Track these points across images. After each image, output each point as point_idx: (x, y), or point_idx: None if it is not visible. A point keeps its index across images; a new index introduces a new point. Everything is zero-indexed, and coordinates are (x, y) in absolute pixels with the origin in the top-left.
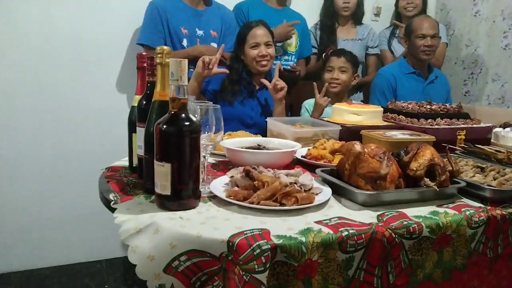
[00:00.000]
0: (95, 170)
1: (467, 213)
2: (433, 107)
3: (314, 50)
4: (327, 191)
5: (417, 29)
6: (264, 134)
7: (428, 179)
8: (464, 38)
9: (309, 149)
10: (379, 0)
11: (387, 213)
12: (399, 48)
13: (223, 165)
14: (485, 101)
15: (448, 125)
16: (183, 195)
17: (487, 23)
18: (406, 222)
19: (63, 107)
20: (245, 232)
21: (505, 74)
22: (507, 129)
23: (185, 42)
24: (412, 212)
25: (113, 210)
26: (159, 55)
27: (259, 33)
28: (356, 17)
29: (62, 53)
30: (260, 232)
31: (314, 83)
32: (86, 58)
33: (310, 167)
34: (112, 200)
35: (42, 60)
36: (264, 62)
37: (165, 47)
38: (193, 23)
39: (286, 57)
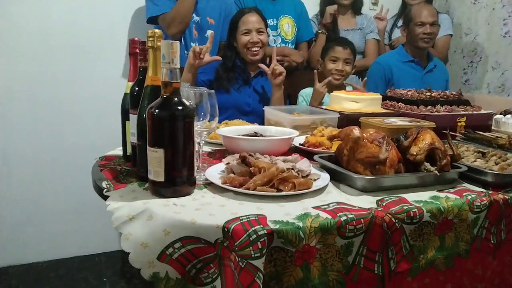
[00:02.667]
0: (93, 161)
1: (469, 197)
2: (433, 94)
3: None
4: (325, 177)
5: (416, 16)
6: (262, 122)
7: (428, 164)
8: (463, 26)
9: (307, 137)
10: None
11: (386, 198)
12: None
13: (219, 154)
14: (485, 89)
15: (448, 112)
16: (177, 181)
17: (486, 11)
18: (406, 207)
19: (60, 98)
20: (241, 218)
21: (505, 62)
22: (508, 115)
23: None
24: (412, 197)
25: (106, 198)
26: (150, 39)
27: (251, 20)
28: (356, 6)
29: (58, 41)
30: (256, 218)
31: (315, 70)
32: (83, 46)
33: (308, 155)
34: (105, 188)
35: (38, 48)
36: (255, 49)
37: (156, 30)
38: None
39: (283, 46)
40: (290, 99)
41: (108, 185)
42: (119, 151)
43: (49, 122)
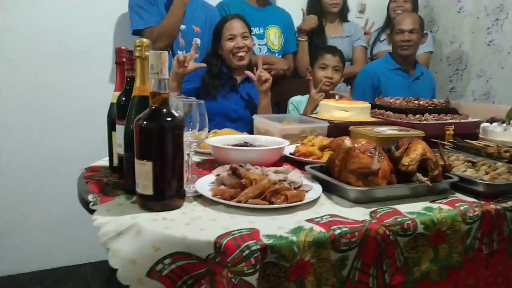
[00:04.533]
0: (78, 170)
1: (462, 208)
2: (420, 102)
3: None
4: (317, 188)
5: (397, 24)
6: (250, 129)
7: (420, 174)
8: (448, 35)
9: (297, 146)
10: None
11: (379, 210)
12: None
13: (209, 164)
14: (470, 97)
15: (437, 120)
16: (166, 194)
17: (471, 19)
18: (400, 219)
19: (47, 105)
20: (233, 232)
21: (489, 70)
22: (495, 124)
23: None
24: (405, 208)
25: (92, 212)
26: (138, 48)
27: (235, 25)
28: (343, 14)
29: (47, 48)
30: (249, 232)
31: (310, 77)
32: (72, 53)
33: (299, 164)
34: (91, 202)
35: (26, 56)
36: (241, 54)
37: (144, 40)
38: None
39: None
40: (279, 107)
41: (94, 199)
42: (105, 162)
43: (35, 129)
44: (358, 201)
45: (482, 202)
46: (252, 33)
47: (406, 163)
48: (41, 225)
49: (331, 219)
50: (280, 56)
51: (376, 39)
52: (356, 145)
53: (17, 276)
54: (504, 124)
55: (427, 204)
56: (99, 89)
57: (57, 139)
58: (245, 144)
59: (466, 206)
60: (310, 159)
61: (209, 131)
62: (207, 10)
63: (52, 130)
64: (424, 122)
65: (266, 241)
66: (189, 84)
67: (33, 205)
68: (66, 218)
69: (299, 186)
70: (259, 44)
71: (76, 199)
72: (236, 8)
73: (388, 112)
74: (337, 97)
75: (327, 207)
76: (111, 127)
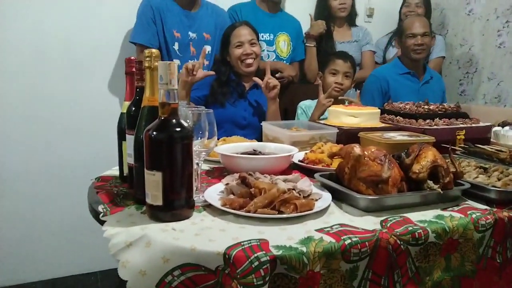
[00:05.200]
0: (88, 178)
1: (473, 216)
2: (431, 107)
3: None
4: (327, 196)
5: (407, 28)
6: (259, 135)
7: (431, 182)
8: (458, 37)
9: (306, 153)
10: (372, 1)
11: (390, 219)
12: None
13: (218, 172)
14: (481, 100)
15: (447, 125)
16: (176, 205)
17: (481, 22)
18: (411, 228)
19: (55, 113)
20: (242, 243)
21: (500, 72)
22: (506, 127)
23: (176, 46)
24: (416, 216)
25: (102, 222)
26: (147, 59)
27: (243, 32)
28: (351, 18)
29: (53, 57)
30: (258, 243)
31: (320, 82)
32: (78, 62)
33: (308, 172)
34: (101, 212)
35: (33, 65)
36: (249, 61)
37: (153, 50)
38: (186, 26)
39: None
40: (287, 113)
41: (104, 209)
42: (115, 171)
43: (44, 139)
44: (369, 210)
45: (495, 210)
46: (262, 39)
47: (417, 171)
48: (52, 234)
49: (341, 228)
50: (288, 63)
51: (388, 44)
52: (366, 152)
53: (28, 285)
54: None
55: (438, 212)
56: (109, 98)
57: (65, 149)
58: (254, 152)
59: (478, 214)
60: (319, 166)
61: (218, 139)
62: (218, 15)
63: (61, 141)
64: (435, 127)
65: (275, 252)
66: (198, 92)
67: (44, 214)
68: (76, 227)
69: (309, 195)
70: (268, 51)
71: (85, 208)
72: (248, 13)
73: (398, 117)
74: (346, 102)
75: (337, 216)
76: (121, 137)
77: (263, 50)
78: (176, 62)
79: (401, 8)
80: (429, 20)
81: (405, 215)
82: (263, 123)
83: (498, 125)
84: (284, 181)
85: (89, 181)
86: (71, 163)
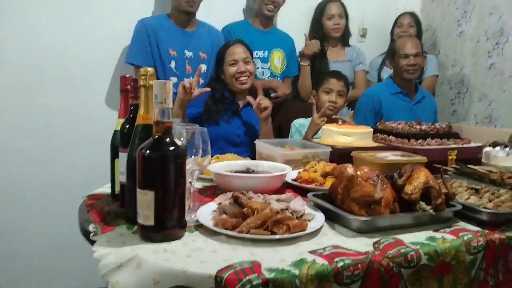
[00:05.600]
0: (80, 194)
1: (465, 238)
2: (422, 127)
3: None
4: (320, 217)
5: (400, 49)
6: (253, 153)
7: (423, 203)
8: (449, 58)
9: (299, 172)
10: (365, 21)
11: (383, 240)
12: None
13: (210, 191)
14: (472, 120)
15: (439, 145)
16: (168, 225)
17: (471, 43)
18: (403, 250)
19: (49, 128)
20: (234, 266)
21: (491, 93)
22: (497, 148)
23: (172, 64)
24: (408, 238)
25: (93, 242)
26: (142, 77)
27: (237, 51)
28: (344, 38)
29: (50, 72)
30: (251, 266)
31: (314, 101)
32: (75, 78)
33: (301, 191)
34: (92, 232)
35: (30, 79)
36: (243, 79)
37: (149, 69)
38: (182, 45)
39: (271, 79)
40: (281, 130)
41: (95, 229)
42: (107, 189)
43: (38, 154)
44: (361, 231)
45: (486, 231)
46: (256, 56)
47: (409, 192)
48: (42, 251)
49: (334, 250)
50: (281, 80)
51: (382, 64)
52: (358, 172)
53: None
54: (507, 149)
55: (430, 233)
56: (102, 116)
57: (59, 165)
58: (248, 170)
59: (470, 236)
60: (312, 185)
61: (211, 157)
62: (213, 35)
63: (54, 156)
64: (427, 147)
65: (268, 274)
66: (192, 109)
67: (35, 231)
68: (67, 245)
69: (302, 215)
70: (262, 68)
71: (77, 225)
72: (241, 31)
73: (391, 136)
74: (340, 121)
75: (330, 237)
76: (114, 155)
77: (258, 68)
78: (173, 80)
79: (393, 28)
80: (420, 40)
81: (397, 236)
82: (257, 141)
83: (489, 146)
84: (277, 200)
85: (81, 198)
86: (64, 179)
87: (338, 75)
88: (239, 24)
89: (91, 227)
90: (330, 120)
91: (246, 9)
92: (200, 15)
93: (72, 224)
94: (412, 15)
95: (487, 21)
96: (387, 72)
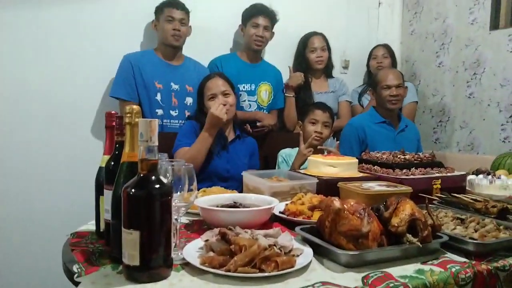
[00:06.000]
0: (63, 231)
1: (453, 269)
2: (406, 156)
3: None
4: (308, 252)
5: (382, 80)
6: (240, 185)
7: (410, 235)
8: (430, 88)
9: (287, 205)
10: (347, 53)
11: (372, 275)
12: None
13: (197, 225)
14: (455, 148)
15: (423, 174)
16: (153, 264)
17: (450, 73)
18: (392, 284)
19: (32, 165)
20: None
21: (471, 121)
22: (480, 176)
23: (158, 96)
24: (397, 271)
25: (76, 284)
26: (128, 115)
27: (216, 84)
28: (328, 70)
29: (33, 110)
30: None
31: (300, 132)
32: (58, 113)
33: (289, 223)
34: (76, 273)
35: (12, 115)
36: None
37: (134, 106)
38: (168, 77)
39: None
40: (267, 160)
41: (79, 269)
42: (91, 226)
43: (20, 190)
44: (350, 265)
45: (474, 262)
46: (243, 89)
47: (396, 224)
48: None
49: (322, 287)
50: (267, 112)
51: (363, 92)
52: (345, 205)
53: None
54: (490, 176)
55: (418, 265)
56: (88, 150)
57: (42, 201)
58: (235, 204)
59: (458, 268)
60: (300, 218)
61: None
62: (200, 69)
63: (37, 192)
64: (411, 176)
65: None
66: (186, 139)
67: (17, 270)
68: (49, 285)
69: (290, 251)
70: (249, 100)
71: (60, 264)
72: (229, 64)
73: (376, 167)
74: (325, 152)
75: (319, 272)
76: (99, 191)
77: (244, 100)
78: (159, 112)
79: (368, 60)
80: (394, 67)
81: (386, 270)
82: (244, 173)
83: (472, 173)
84: (265, 236)
85: (64, 236)
86: (46, 215)
87: (323, 106)
88: (227, 57)
89: (75, 268)
90: (316, 150)
91: (234, 44)
92: (187, 51)
93: (55, 264)
94: (386, 46)
95: (464, 52)
96: (366, 99)
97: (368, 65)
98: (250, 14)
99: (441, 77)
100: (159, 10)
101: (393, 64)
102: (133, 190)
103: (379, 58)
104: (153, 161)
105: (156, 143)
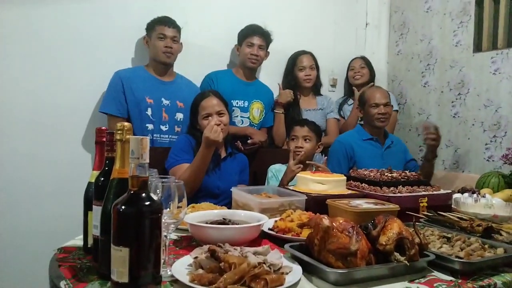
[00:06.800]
0: (50, 246)
1: None
2: (393, 174)
3: None
4: (297, 269)
5: (370, 99)
6: (230, 201)
7: (398, 254)
8: (416, 107)
9: (276, 221)
10: (335, 72)
11: None
12: (348, 112)
13: (186, 242)
14: (441, 166)
15: (410, 192)
16: (142, 282)
17: (436, 93)
18: None
19: (19, 177)
20: None
21: (456, 140)
22: (465, 194)
23: (149, 111)
24: None
25: None
26: (119, 132)
27: (211, 103)
28: (316, 88)
29: (22, 122)
30: None
31: (291, 148)
32: (47, 126)
33: (278, 240)
34: None
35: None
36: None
37: (125, 124)
38: (159, 93)
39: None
40: (256, 176)
41: (67, 285)
42: (79, 241)
43: (6, 203)
44: (339, 284)
45: (460, 281)
46: (236, 105)
47: (384, 243)
48: None
49: None
50: (258, 129)
51: (344, 103)
52: (334, 224)
53: None
54: (475, 195)
55: (406, 284)
56: (74, 164)
57: (27, 215)
58: (224, 221)
59: (445, 286)
60: (289, 235)
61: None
62: (191, 87)
63: (22, 206)
64: (399, 194)
65: None
66: (184, 155)
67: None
68: None
69: (279, 268)
70: (241, 116)
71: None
72: (224, 80)
73: (363, 184)
74: (314, 168)
75: None
76: (88, 207)
77: (237, 116)
78: (149, 126)
79: (347, 73)
80: (373, 77)
81: None
82: (233, 189)
83: (458, 191)
84: (254, 253)
85: (51, 250)
86: (33, 229)
87: (302, 121)
88: (222, 73)
89: (62, 284)
90: (305, 166)
91: (229, 63)
92: (180, 68)
93: (41, 280)
94: (363, 58)
95: (448, 73)
96: (348, 110)
97: (347, 77)
98: (245, 34)
99: (426, 97)
100: (150, 27)
101: (371, 74)
102: (123, 207)
103: (357, 68)
104: (143, 178)
105: (147, 161)
